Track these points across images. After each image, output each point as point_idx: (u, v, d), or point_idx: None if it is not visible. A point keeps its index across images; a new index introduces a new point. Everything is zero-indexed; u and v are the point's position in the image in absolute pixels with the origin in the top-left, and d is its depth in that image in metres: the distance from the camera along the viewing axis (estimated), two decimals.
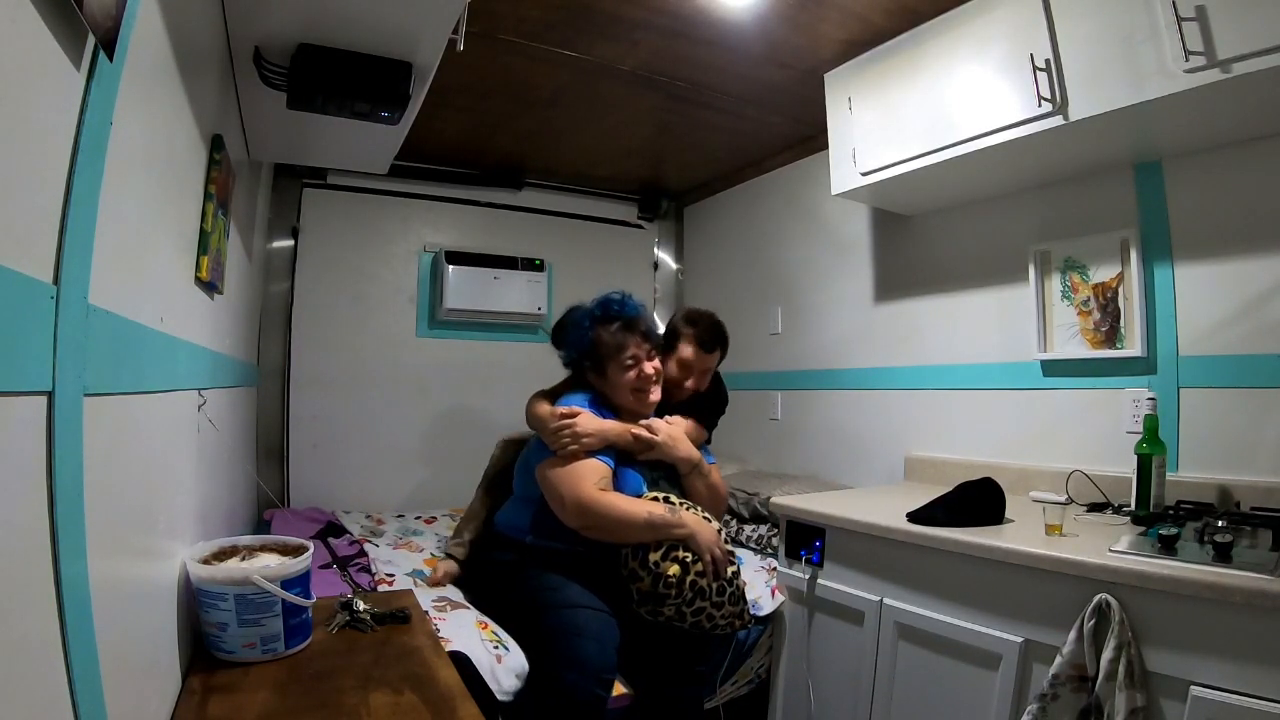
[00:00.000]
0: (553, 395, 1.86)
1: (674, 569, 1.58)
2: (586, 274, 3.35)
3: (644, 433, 1.77)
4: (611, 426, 1.75)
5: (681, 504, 1.69)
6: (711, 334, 1.96)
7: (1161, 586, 1.15)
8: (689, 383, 1.94)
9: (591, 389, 1.84)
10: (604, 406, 1.80)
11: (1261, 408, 1.58)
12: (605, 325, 1.76)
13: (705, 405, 2.01)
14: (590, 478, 1.65)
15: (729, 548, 1.67)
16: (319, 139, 1.93)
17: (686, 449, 1.81)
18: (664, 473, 1.83)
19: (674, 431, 1.82)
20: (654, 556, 1.60)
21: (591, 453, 1.70)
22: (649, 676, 1.65)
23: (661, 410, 1.90)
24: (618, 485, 1.72)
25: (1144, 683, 1.16)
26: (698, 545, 1.60)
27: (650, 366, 1.79)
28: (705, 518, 1.68)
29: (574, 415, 1.70)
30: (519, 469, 1.87)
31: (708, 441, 2.04)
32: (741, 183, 3.29)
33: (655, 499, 1.68)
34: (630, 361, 1.75)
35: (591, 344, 1.76)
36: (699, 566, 1.59)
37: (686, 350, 1.93)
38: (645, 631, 1.64)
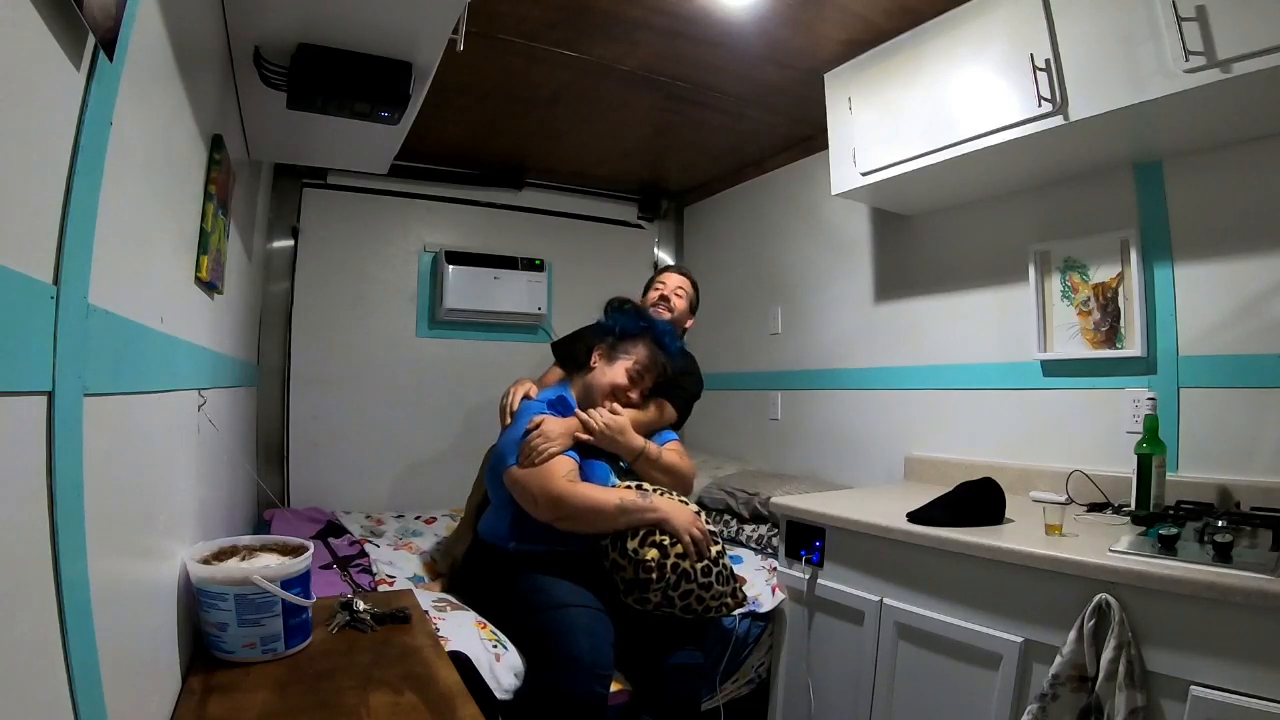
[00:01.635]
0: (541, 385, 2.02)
1: (652, 553, 1.58)
2: (586, 274, 3.36)
3: (586, 419, 1.80)
4: (574, 422, 1.79)
5: (655, 489, 1.70)
6: (676, 264, 2.48)
7: (1161, 586, 1.15)
8: (673, 303, 2.22)
9: (564, 387, 1.90)
10: (557, 404, 1.84)
11: (1261, 408, 1.58)
12: (649, 338, 1.91)
13: (673, 383, 2.05)
14: (559, 471, 1.66)
15: (710, 528, 1.67)
16: (319, 139, 1.93)
17: (628, 439, 1.82)
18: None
19: (614, 422, 1.82)
20: (632, 544, 1.60)
21: None
22: (646, 670, 1.65)
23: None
24: (585, 477, 1.72)
25: (1144, 683, 1.16)
26: (674, 527, 1.61)
27: (636, 391, 1.89)
28: (682, 501, 1.69)
29: (537, 425, 1.72)
30: (489, 476, 1.87)
31: (679, 425, 2.07)
32: (741, 183, 3.28)
33: (629, 487, 1.69)
34: (622, 377, 1.87)
35: (626, 334, 1.91)
36: (678, 549, 1.59)
37: (659, 278, 2.31)
38: (639, 624, 1.64)
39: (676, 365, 1.99)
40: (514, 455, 1.70)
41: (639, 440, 1.84)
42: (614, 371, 1.87)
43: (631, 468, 1.85)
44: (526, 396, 1.91)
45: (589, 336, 2.03)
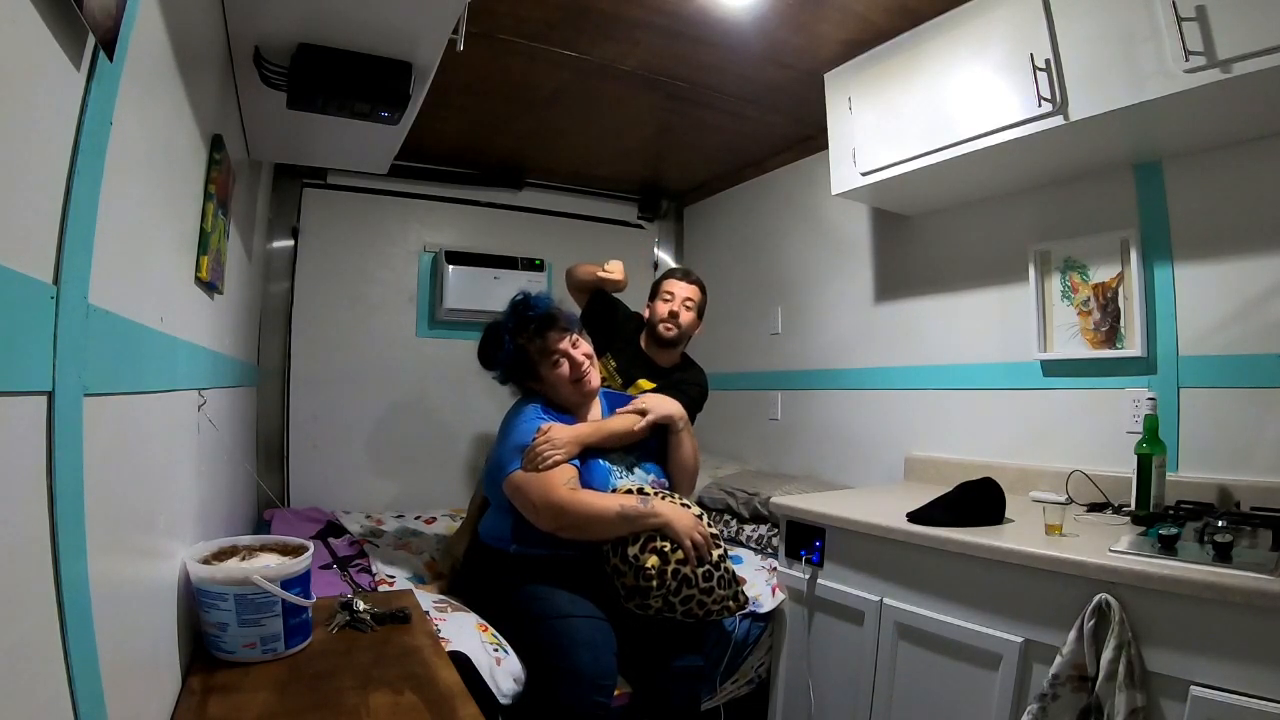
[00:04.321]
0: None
1: (652, 560, 1.56)
2: None
3: (638, 418, 1.78)
4: (582, 430, 1.73)
5: (656, 493, 1.67)
6: (684, 269, 2.29)
7: (1161, 586, 1.15)
8: (681, 319, 2.13)
9: (536, 396, 1.81)
10: (552, 409, 1.79)
11: (1261, 408, 1.58)
12: (522, 333, 1.76)
13: (681, 389, 2.04)
14: (559, 479, 1.62)
15: (712, 531, 1.64)
16: (319, 139, 1.93)
17: (671, 405, 1.84)
18: (637, 457, 1.82)
19: (651, 398, 1.85)
20: (632, 550, 1.58)
21: None
22: (647, 673, 1.64)
23: (654, 374, 2.12)
24: (585, 475, 1.70)
25: (1144, 683, 1.16)
26: (675, 533, 1.58)
27: (580, 353, 1.78)
28: (684, 504, 1.66)
29: (547, 431, 1.68)
30: (487, 483, 1.84)
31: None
32: (741, 183, 3.29)
33: (629, 491, 1.67)
34: (558, 358, 1.75)
35: (517, 355, 1.76)
36: (679, 555, 1.57)
37: (666, 285, 2.18)
38: (640, 627, 1.63)
39: (559, 307, 1.84)
40: (515, 462, 1.66)
41: (679, 406, 1.85)
42: (559, 372, 1.76)
43: (673, 435, 1.84)
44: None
45: (511, 375, 1.85)
